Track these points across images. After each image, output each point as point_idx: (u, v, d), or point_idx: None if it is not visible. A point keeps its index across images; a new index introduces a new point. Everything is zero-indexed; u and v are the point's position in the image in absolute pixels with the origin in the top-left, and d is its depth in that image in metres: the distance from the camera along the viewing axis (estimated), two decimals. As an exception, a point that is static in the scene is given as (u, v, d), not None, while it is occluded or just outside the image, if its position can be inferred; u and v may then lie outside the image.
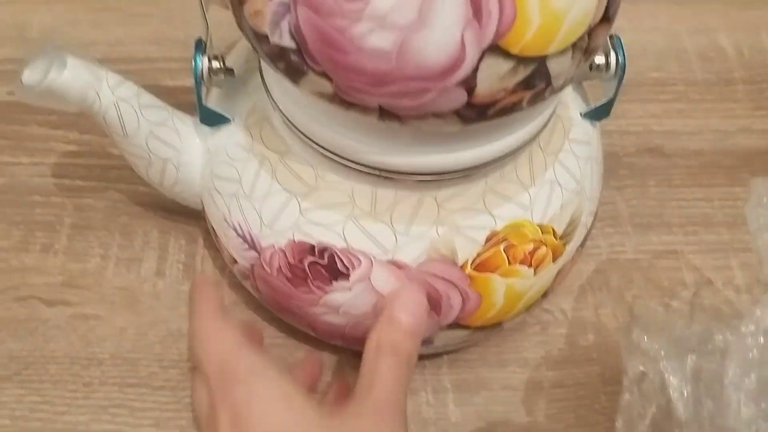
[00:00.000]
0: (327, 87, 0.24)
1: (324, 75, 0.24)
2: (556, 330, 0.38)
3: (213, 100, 0.34)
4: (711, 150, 0.45)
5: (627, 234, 0.41)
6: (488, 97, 0.24)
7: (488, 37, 0.22)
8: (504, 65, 0.23)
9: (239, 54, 0.34)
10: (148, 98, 0.33)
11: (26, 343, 0.36)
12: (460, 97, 0.24)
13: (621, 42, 0.32)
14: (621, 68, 0.31)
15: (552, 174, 0.32)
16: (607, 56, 0.32)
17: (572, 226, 0.33)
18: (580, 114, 0.33)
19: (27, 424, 0.34)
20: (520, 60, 0.23)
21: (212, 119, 0.32)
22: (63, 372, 0.35)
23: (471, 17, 0.22)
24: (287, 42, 0.24)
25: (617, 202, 0.42)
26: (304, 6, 0.23)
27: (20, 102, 0.43)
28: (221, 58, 0.31)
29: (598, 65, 0.32)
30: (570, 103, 0.33)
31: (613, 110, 0.46)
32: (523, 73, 0.24)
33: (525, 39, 0.23)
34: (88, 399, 0.35)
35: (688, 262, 0.41)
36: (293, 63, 0.24)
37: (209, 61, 0.31)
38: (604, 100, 0.33)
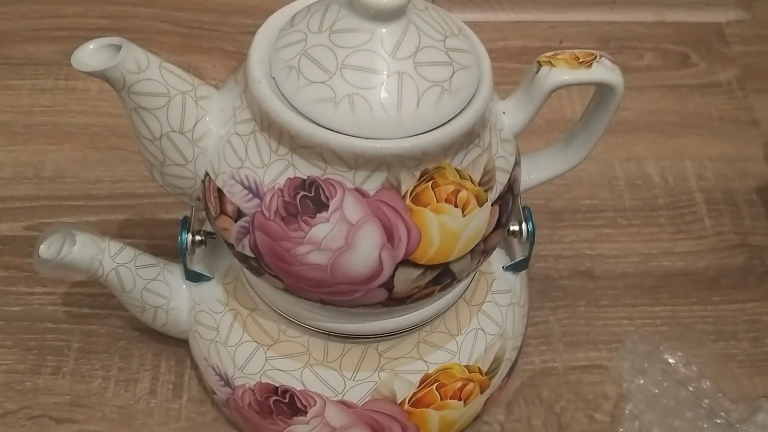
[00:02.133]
0: (279, 284, 0.31)
1: (277, 277, 0.31)
2: (494, 442, 0.44)
3: (198, 256, 0.41)
4: (635, 272, 0.51)
5: (558, 351, 0.48)
6: (404, 293, 0.31)
7: (400, 255, 0.29)
8: (414, 272, 0.30)
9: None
10: (143, 259, 0.39)
11: (38, 459, 0.42)
12: (382, 295, 0.30)
13: (531, 213, 0.38)
14: (531, 235, 0.38)
15: (476, 322, 0.38)
16: (520, 224, 0.38)
17: (496, 363, 0.39)
18: (503, 267, 0.40)
19: None
20: (428, 267, 0.30)
21: (195, 277, 0.39)
22: (70, 485, 0.41)
23: (386, 242, 0.29)
24: (248, 252, 0.31)
25: (551, 321, 0.49)
26: (260, 231, 0.30)
27: (35, 236, 0.51)
28: (203, 232, 0.38)
29: (513, 231, 0.39)
30: (493, 259, 0.40)
31: (549, 236, 0.53)
32: (431, 275, 0.30)
33: (429, 254, 0.30)
34: None
35: (611, 377, 0.47)
36: (254, 266, 0.31)
37: (192, 235, 0.37)
38: (520, 257, 0.40)
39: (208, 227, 0.39)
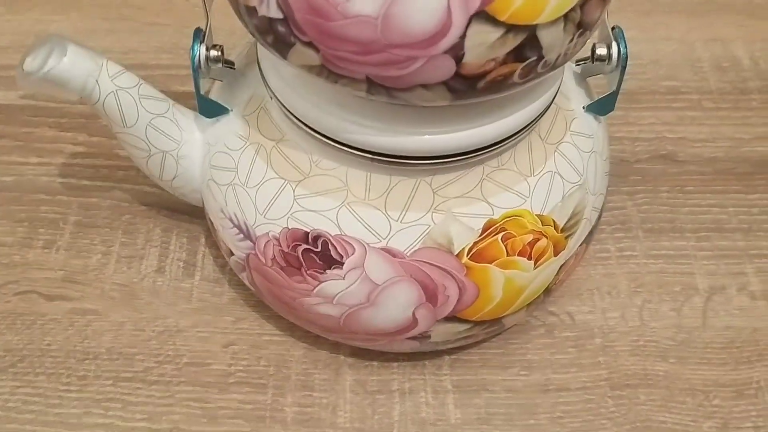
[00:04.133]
0: (314, 58, 0.24)
1: (311, 45, 0.24)
2: (562, 333, 0.37)
3: (215, 92, 0.34)
4: (725, 157, 0.44)
5: (638, 239, 0.40)
6: (477, 68, 0.24)
7: (475, 3, 0.22)
8: (493, 33, 0.23)
9: (241, 51, 0.34)
10: (148, 89, 0.33)
11: (23, 336, 0.36)
12: (448, 67, 0.23)
13: (623, 33, 0.31)
14: (623, 59, 0.31)
15: (552, 164, 0.31)
16: (608, 47, 0.31)
17: (574, 219, 0.32)
18: (584, 108, 0.33)
19: (19, 416, 0.34)
20: (510, 28, 0.23)
21: (210, 110, 0.32)
22: (58, 365, 0.35)
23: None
24: (274, 13, 0.24)
25: (628, 207, 0.42)
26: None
27: (32, 105, 0.45)
28: (221, 49, 0.31)
29: (600, 55, 0.31)
30: (572, 97, 0.33)
31: (624, 117, 0.45)
32: (513, 42, 0.23)
33: (514, 6, 0.22)
34: (82, 392, 0.34)
35: (701, 267, 0.39)
36: (281, 34, 0.24)
37: (207, 50, 0.31)
38: (607, 93, 0.32)
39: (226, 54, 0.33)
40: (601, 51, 0.31)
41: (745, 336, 0.37)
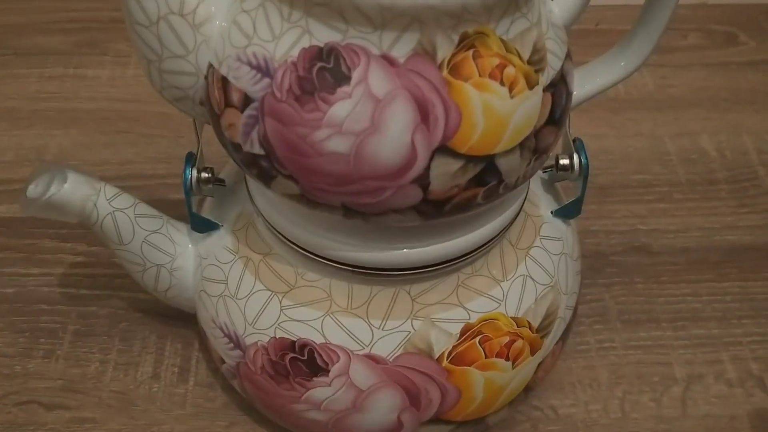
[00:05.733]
0: (294, 188, 0.26)
1: (291, 178, 0.26)
2: (547, 427, 0.38)
3: (206, 209, 0.36)
4: (697, 247, 0.46)
5: (616, 330, 0.42)
6: (443, 194, 0.26)
7: (437, 139, 0.24)
8: (454, 164, 0.25)
9: (231, 168, 0.37)
10: (143, 208, 0.35)
11: (23, 447, 0.37)
12: (416, 194, 0.25)
13: (583, 144, 0.34)
14: (584, 169, 0.33)
15: (524, 269, 0.33)
16: (571, 158, 0.34)
17: (549, 319, 0.34)
18: (551, 212, 0.35)
19: None
20: (470, 159, 0.25)
21: (202, 226, 0.34)
22: (57, 475, 0.36)
23: (420, 122, 0.24)
24: (257, 150, 0.26)
25: (605, 299, 0.43)
26: (270, 117, 0.25)
27: (34, 217, 0.47)
28: (211, 170, 0.34)
29: (563, 165, 0.34)
30: (540, 203, 0.35)
31: (598, 211, 0.48)
32: (473, 171, 0.25)
33: (472, 140, 0.25)
34: (80, 503, 0.35)
35: (679, 357, 0.41)
36: (264, 168, 0.26)
37: (198, 172, 0.33)
38: (572, 199, 0.34)
39: (217, 172, 0.35)
40: (564, 161, 0.34)
41: (724, 424, 0.38)
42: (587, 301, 0.43)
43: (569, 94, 0.28)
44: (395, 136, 0.24)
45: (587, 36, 0.54)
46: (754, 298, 0.43)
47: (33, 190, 0.33)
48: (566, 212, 0.35)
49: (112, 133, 0.52)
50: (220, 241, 0.34)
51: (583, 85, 0.31)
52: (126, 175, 0.49)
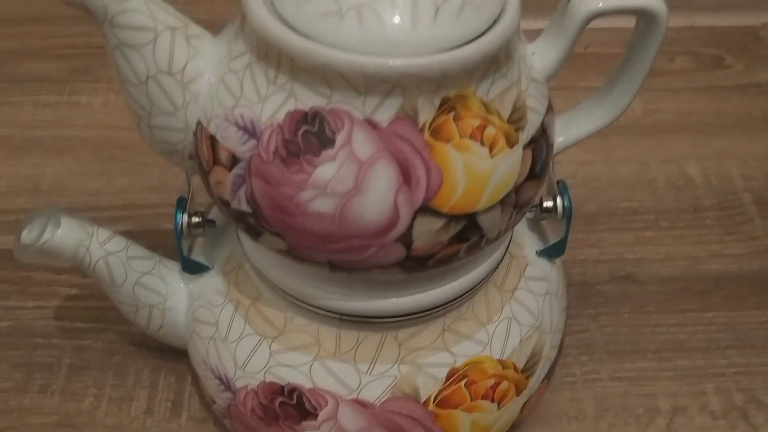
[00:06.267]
0: (281, 244, 0.27)
1: (278, 234, 0.27)
2: (533, 460, 0.39)
3: (198, 248, 0.37)
4: (682, 276, 0.46)
5: (601, 361, 0.42)
6: (425, 251, 0.26)
7: (419, 200, 0.25)
8: (436, 223, 0.26)
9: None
10: (135, 250, 0.35)
11: (18, 484, 0.37)
12: (399, 252, 0.26)
13: (566, 186, 0.34)
14: (568, 211, 0.34)
15: (509, 311, 0.33)
16: (554, 199, 0.34)
17: (533, 360, 0.34)
18: (536, 252, 0.36)
19: None
20: (451, 218, 0.26)
21: (193, 268, 0.35)
22: None
23: (402, 183, 0.25)
24: (245, 207, 0.27)
25: (591, 329, 0.44)
26: (257, 177, 0.26)
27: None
28: (201, 213, 0.34)
29: (547, 208, 0.34)
30: (525, 243, 0.36)
31: (586, 240, 0.48)
32: (455, 228, 0.26)
33: (453, 200, 0.25)
34: None
35: (664, 388, 0.41)
36: (251, 224, 0.27)
37: (189, 217, 0.34)
38: (556, 239, 0.35)
39: (208, 214, 0.36)
40: (548, 203, 0.34)
41: (707, 456, 0.39)
42: (574, 332, 0.43)
43: (550, 146, 0.29)
44: (378, 197, 0.25)
45: (577, 59, 0.54)
46: (739, 328, 0.44)
47: (27, 235, 0.33)
48: (551, 252, 0.36)
49: (105, 162, 0.52)
50: (211, 282, 0.35)
51: (567, 131, 0.31)
52: (119, 205, 0.50)
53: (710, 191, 0.51)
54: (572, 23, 0.27)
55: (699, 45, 0.61)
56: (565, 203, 0.34)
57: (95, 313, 0.44)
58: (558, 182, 0.34)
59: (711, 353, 0.43)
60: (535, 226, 0.37)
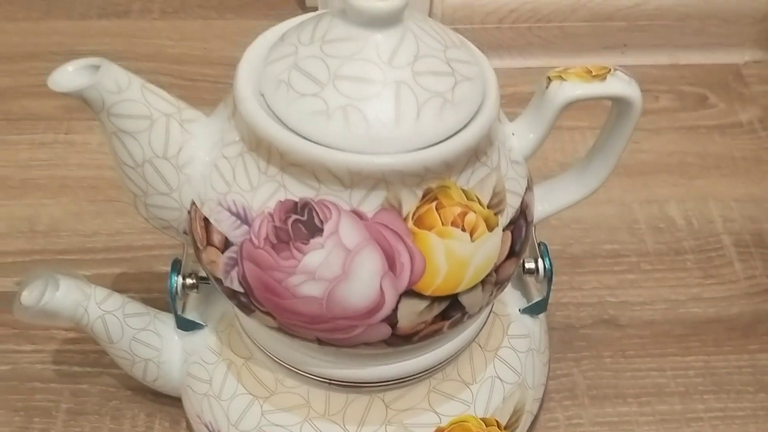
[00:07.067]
0: (272, 322, 0.28)
1: (268, 314, 0.28)
2: (516, 506, 0.40)
3: (192, 304, 0.38)
4: (662, 320, 0.48)
5: (584, 406, 0.44)
6: (410, 329, 0.28)
7: (403, 285, 0.26)
8: (420, 304, 0.27)
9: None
10: (132, 307, 0.37)
11: None
12: (385, 331, 0.27)
13: (547, 249, 0.36)
14: (549, 272, 0.35)
15: (492, 370, 0.35)
16: (536, 261, 0.36)
17: (516, 416, 0.36)
18: (519, 310, 0.37)
19: None
20: (434, 299, 0.27)
21: (187, 326, 0.36)
22: None
23: (387, 269, 0.26)
24: (237, 287, 0.28)
25: (574, 374, 0.45)
26: (249, 261, 0.27)
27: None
28: (196, 274, 0.35)
29: (529, 270, 0.36)
30: (509, 301, 0.37)
31: (569, 282, 0.50)
32: (438, 308, 0.27)
33: (436, 283, 0.27)
34: None
35: (643, 433, 0.43)
36: (243, 302, 0.28)
37: (183, 278, 0.35)
38: (538, 298, 0.36)
39: (201, 272, 0.37)
40: (530, 265, 0.36)
41: (684, 501, 0.40)
42: (557, 376, 0.45)
43: (529, 224, 0.30)
44: (364, 282, 0.26)
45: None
46: (716, 372, 0.45)
47: (27, 297, 0.35)
48: (533, 310, 0.37)
49: (101, 202, 0.53)
50: (205, 339, 0.36)
51: (544, 203, 0.33)
52: (115, 247, 0.51)
53: (691, 233, 0.52)
54: (550, 109, 0.28)
55: (683, 83, 0.62)
56: (546, 265, 0.35)
57: (91, 357, 0.45)
58: (539, 244, 0.36)
59: (689, 398, 0.44)
60: (519, 283, 0.38)
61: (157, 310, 0.38)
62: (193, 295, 0.38)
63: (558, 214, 0.53)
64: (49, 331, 0.46)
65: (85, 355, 0.46)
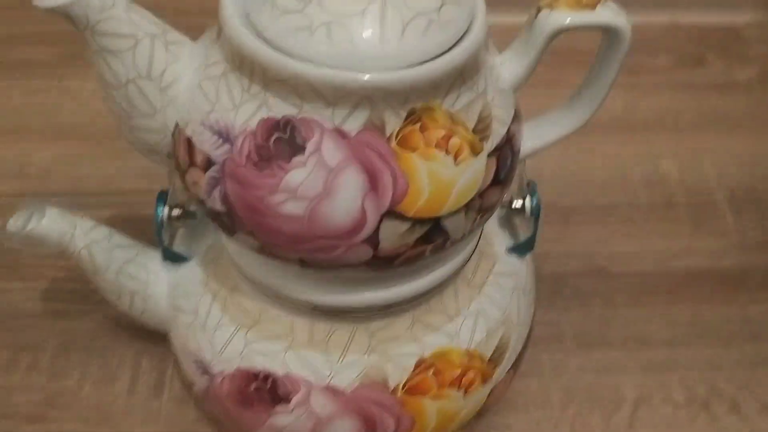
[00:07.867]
0: (254, 243, 0.28)
1: (250, 233, 0.28)
2: (499, 447, 0.40)
3: (179, 238, 0.38)
4: (653, 271, 0.48)
5: (570, 351, 0.44)
6: (392, 251, 0.28)
7: (385, 205, 0.26)
8: (402, 226, 0.27)
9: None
10: (118, 238, 0.37)
11: (5, 460, 0.39)
12: (366, 252, 0.27)
13: (536, 187, 0.35)
14: (536, 210, 0.35)
15: (477, 305, 0.35)
16: (523, 199, 0.36)
17: (499, 351, 0.36)
18: (506, 249, 0.37)
19: None
20: (416, 221, 0.27)
21: (174, 258, 0.36)
22: (37, 488, 0.38)
23: (369, 189, 0.26)
24: (219, 207, 0.28)
25: (562, 321, 0.45)
26: (231, 179, 0.27)
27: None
28: (182, 206, 0.35)
29: (516, 208, 0.36)
30: (495, 240, 0.37)
31: (562, 232, 0.50)
32: (420, 231, 0.27)
33: (418, 205, 0.27)
34: None
35: (629, 380, 0.43)
36: (225, 223, 0.28)
37: (170, 209, 0.35)
38: (525, 238, 0.36)
39: (188, 206, 0.37)
40: (517, 204, 0.36)
41: (667, 445, 0.41)
42: (544, 322, 0.45)
43: (515, 153, 0.30)
44: (346, 201, 0.26)
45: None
46: (705, 322, 0.45)
47: (12, 224, 0.35)
48: (520, 249, 0.37)
49: (95, 147, 0.53)
50: (191, 272, 0.36)
51: (533, 137, 0.33)
52: (108, 191, 0.51)
53: (685, 188, 0.52)
54: (539, 38, 0.28)
55: (682, 42, 0.62)
56: (533, 203, 0.35)
57: (81, 294, 0.46)
58: (528, 183, 0.36)
59: (677, 346, 0.44)
60: (506, 223, 0.38)
61: (143, 244, 0.38)
62: (180, 231, 0.38)
63: (551, 168, 0.53)
64: (39, 269, 0.47)
65: (73, 292, 0.46)
